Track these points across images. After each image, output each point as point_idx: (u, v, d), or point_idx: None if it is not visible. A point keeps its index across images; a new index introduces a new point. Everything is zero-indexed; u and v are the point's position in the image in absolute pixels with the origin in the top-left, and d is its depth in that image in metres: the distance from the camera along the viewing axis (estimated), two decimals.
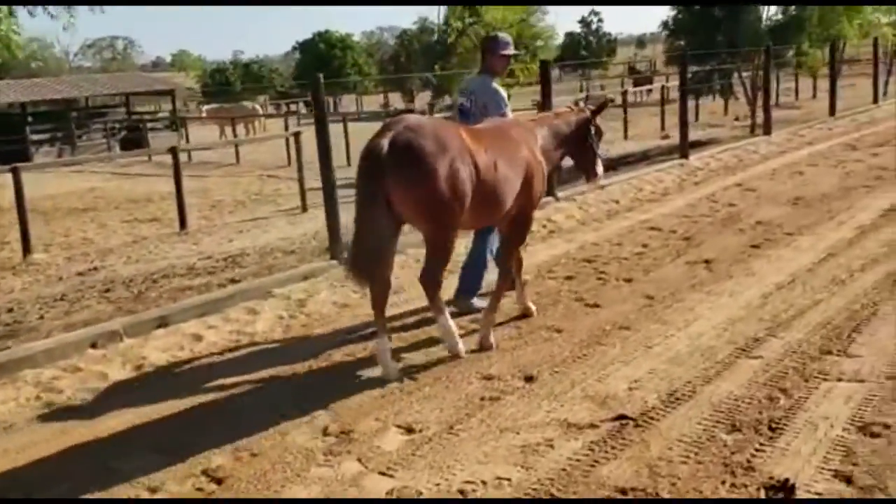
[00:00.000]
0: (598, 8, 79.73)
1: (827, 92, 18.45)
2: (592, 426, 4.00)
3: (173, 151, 12.62)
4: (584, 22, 60.09)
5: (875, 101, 19.86)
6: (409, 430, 4.08)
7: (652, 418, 4.06)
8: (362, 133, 8.00)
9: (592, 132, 5.85)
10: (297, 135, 14.42)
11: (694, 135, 14.07)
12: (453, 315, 5.40)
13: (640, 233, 8.23)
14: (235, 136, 27.33)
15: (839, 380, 4.42)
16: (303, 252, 8.54)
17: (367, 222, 4.59)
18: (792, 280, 6.30)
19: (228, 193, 16.21)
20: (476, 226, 5.58)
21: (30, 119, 33.08)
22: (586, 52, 53.80)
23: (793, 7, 18.18)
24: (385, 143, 4.54)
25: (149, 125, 33.52)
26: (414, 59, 34.53)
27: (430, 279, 4.88)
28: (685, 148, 12.27)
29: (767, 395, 4.27)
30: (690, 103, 14.72)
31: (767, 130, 15.02)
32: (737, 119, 19.94)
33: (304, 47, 54.31)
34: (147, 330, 5.76)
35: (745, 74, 18.26)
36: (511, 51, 6.37)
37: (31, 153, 28.39)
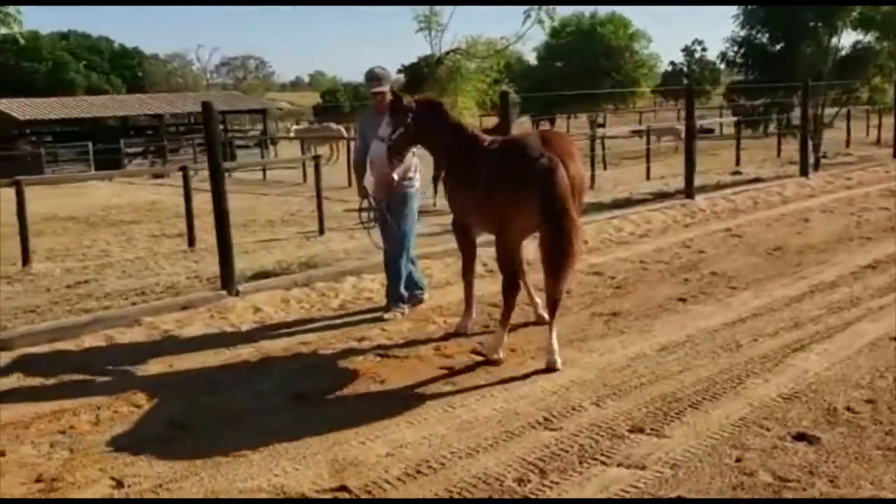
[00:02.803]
0: (699, 36, 77.31)
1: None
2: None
3: (184, 170, 12.87)
4: (688, 51, 58.44)
5: None
6: None
7: (382, 493, 3.70)
8: None
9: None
10: (316, 158, 14.56)
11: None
12: None
13: (579, 277, 7.71)
14: (317, 156, 27.89)
15: (619, 465, 3.91)
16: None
17: None
18: (684, 341, 5.75)
19: (266, 213, 16.42)
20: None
21: (131, 132, 35.06)
22: (688, 80, 52.05)
23: (865, 39, 16.90)
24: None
25: (239, 143, 34.79)
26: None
27: None
28: (690, 187, 11.53)
29: (520, 476, 3.81)
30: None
31: (804, 171, 13.97)
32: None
33: (410, 69, 55.09)
34: None
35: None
36: (376, 87, 6.32)
37: (123, 163, 29.97)
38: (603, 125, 43.80)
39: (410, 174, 6.57)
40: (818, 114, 17.02)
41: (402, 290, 6.65)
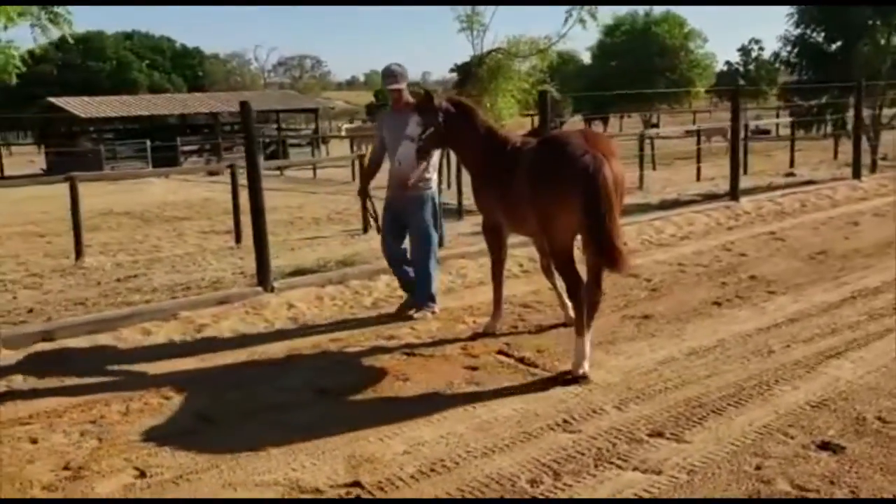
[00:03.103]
0: (758, 35, 75.45)
1: None
2: None
3: (231, 168, 13.08)
4: (744, 50, 57.14)
5: None
6: None
7: (394, 490, 3.74)
8: None
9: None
10: (361, 156, 14.70)
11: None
12: None
13: (614, 279, 7.64)
14: (361, 155, 28.15)
15: (635, 469, 3.88)
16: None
17: None
18: (715, 346, 5.66)
19: (314, 211, 16.60)
20: None
21: (188, 130, 35.80)
22: (744, 81, 51.02)
23: None
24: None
25: (292, 141, 35.27)
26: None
27: None
28: (735, 189, 11.31)
29: (533, 477, 3.81)
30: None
31: (856, 173, 13.60)
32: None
33: (461, 68, 55.12)
34: (28, 343, 5.94)
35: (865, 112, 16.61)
36: (393, 84, 6.26)
37: (180, 161, 30.61)
38: (656, 125, 43.30)
39: (427, 174, 6.53)
40: (876, 114, 16.56)
41: (433, 290, 6.69)
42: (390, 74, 6.42)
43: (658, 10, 44.74)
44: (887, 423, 4.32)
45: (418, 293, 6.66)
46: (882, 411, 4.46)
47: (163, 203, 19.30)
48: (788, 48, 16.69)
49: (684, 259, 8.38)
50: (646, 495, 3.63)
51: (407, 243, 6.72)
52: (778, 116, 32.09)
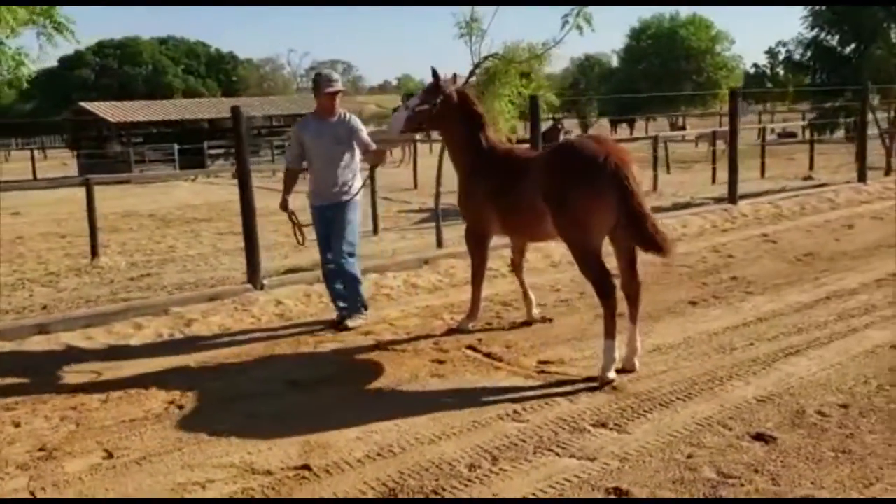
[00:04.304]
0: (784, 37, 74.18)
1: None
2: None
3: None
4: (771, 52, 56.24)
5: None
6: None
7: (339, 473, 3.98)
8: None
9: None
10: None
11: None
12: None
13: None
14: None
15: (571, 456, 4.09)
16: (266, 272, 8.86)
17: None
18: (680, 343, 5.84)
19: None
20: None
21: (217, 134, 36.40)
22: (771, 83, 50.45)
23: None
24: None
25: None
26: None
27: None
28: (734, 192, 11.40)
29: (472, 462, 4.04)
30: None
31: (862, 177, 13.59)
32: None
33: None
34: (24, 335, 6.29)
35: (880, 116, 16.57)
36: (335, 88, 6.34)
37: (206, 164, 31.21)
38: (683, 128, 43.13)
39: (350, 181, 6.45)
40: (891, 117, 16.50)
41: (365, 296, 6.67)
42: (334, 80, 6.40)
43: (684, 12, 44.65)
44: (826, 416, 4.47)
45: (353, 301, 6.55)
46: (824, 406, 4.61)
47: (185, 205, 19.74)
48: (801, 50, 16.68)
49: (670, 260, 8.51)
50: (576, 480, 3.83)
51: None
52: (804, 119, 31.80)
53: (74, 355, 6.02)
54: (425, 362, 5.57)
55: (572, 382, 5.11)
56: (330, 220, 6.43)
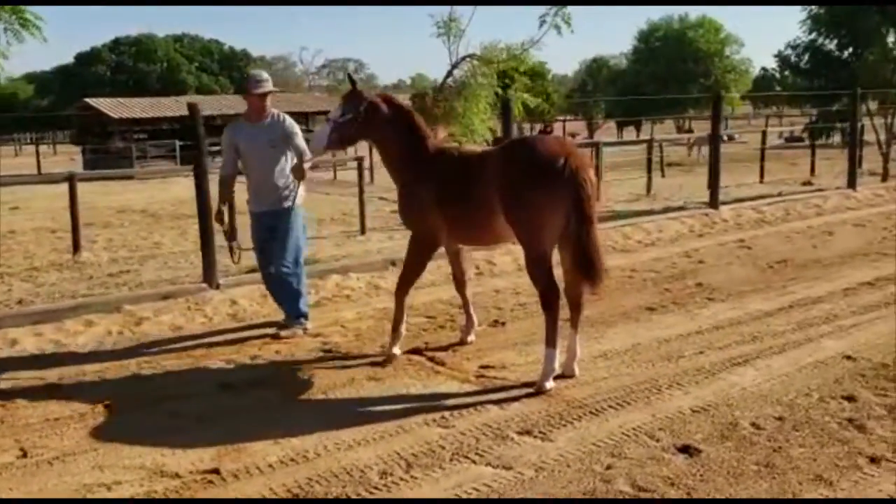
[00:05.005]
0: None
1: None
2: None
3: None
4: (780, 56, 55.83)
5: None
6: None
7: (248, 478, 3.91)
8: None
9: None
10: (359, 159, 14.94)
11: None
12: None
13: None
14: (359, 158, 28.44)
15: (487, 464, 4.00)
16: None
17: None
18: (628, 349, 5.75)
19: (320, 211, 16.74)
20: None
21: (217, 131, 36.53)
22: (780, 87, 50.11)
23: None
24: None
25: None
26: None
27: None
28: (715, 197, 11.26)
29: (385, 469, 3.96)
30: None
31: (851, 183, 13.41)
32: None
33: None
34: None
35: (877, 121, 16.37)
36: (265, 88, 6.12)
37: (204, 161, 31.21)
38: (690, 131, 42.86)
39: (291, 186, 6.23)
40: (888, 123, 16.31)
41: (303, 307, 6.42)
42: (263, 79, 6.17)
43: (693, 14, 44.39)
44: (759, 429, 4.37)
45: (293, 309, 6.36)
46: (759, 418, 4.50)
47: (179, 201, 19.69)
48: (797, 54, 16.51)
49: (639, 265, 8.43)
50: (484, 490, 3.74)
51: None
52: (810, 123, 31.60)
53: (17, 352, 5.98)
54: (365, 367, 5.49)
55: (508, 388, 5.02)
56: (270, 227, 6.23)
